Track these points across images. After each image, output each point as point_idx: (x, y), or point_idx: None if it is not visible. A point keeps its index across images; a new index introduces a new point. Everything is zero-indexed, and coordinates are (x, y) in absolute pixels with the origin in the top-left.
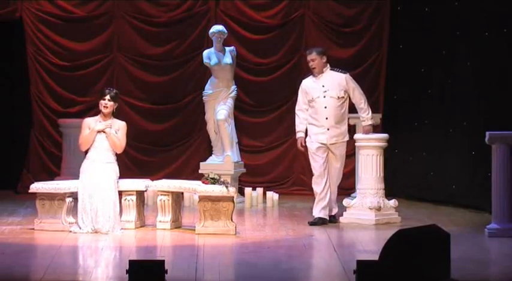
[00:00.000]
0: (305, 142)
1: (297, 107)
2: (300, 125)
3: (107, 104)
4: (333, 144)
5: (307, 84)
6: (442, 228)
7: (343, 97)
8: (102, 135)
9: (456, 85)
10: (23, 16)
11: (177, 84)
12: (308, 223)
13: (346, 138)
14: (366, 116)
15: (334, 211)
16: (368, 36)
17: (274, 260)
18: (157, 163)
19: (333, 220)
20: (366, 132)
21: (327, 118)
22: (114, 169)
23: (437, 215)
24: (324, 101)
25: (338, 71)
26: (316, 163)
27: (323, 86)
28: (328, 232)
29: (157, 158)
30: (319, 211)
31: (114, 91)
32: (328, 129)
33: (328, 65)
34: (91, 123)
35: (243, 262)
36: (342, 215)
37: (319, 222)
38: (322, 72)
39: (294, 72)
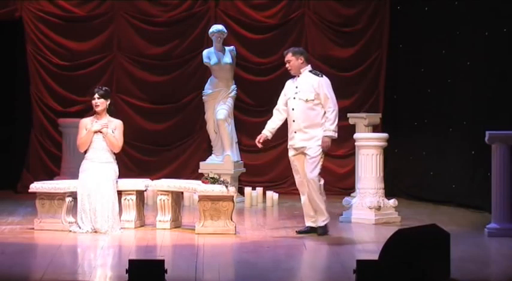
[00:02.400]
0: (263, 140)
1: (275, 107)
2: (269, 123)
3: (97, 102)
4: (301, 148)
5: (287, 84)
6: (442, 228)
7: (312, 100)
8: (100, 136)
9: (456, 85)
10: (23, 16)
11: (177, 84)
12: (296, 231)
13: (318, 142)
14: (328, 126)
15: (319, 220)
16: (368, 36)
17: (273, 260)
18: (157, 162)
19: (319, 231)
20: (324, 143)
21: (294, 121)
22: (114, 168)
23: (437, 214)
24: (293, 103)
25: (315, 74)
26: (293, 171)
27: (296, 87)
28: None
29: (157, 158)
30: (307, 220)
31: (104, 89)
32: (295, 132)
33: (308, 66)
34: (88, 123)
35: (243, 261)
36: (341, 214)
37: (308, 231)
38: (299, 73)
39: None
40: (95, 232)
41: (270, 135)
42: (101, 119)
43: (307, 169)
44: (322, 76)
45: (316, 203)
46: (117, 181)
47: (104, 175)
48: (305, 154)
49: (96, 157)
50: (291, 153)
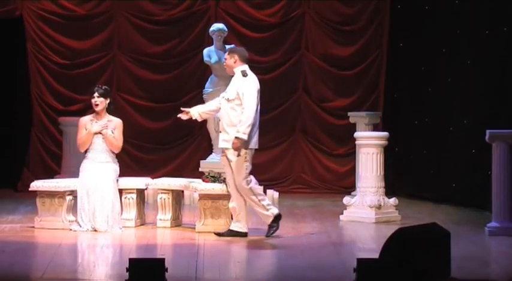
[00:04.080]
0: (187, 114)
1: None
2: (202, 105)
3: (96, 101)
4: (224, 149)
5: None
6: (442, 226)
7: (233, 100)
8: (100, 137)
9: (456, 83)
10: (24, 14)
11: (177, 83)
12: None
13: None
14: (239, 128)
15: (267, 222)
16: (368, 35)
17: (274, 259)
18: (158, 161)
19: (268, 232)
20: (233, 145)
21: (219, 120)
22: (114, 168)
23: (438, 213)
24: (222, 102)
25: (243, 74)
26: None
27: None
28: (328, 230)
29: (157, 157)
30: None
31: (103, 87)
32: (220, 132)
33: (242, 66)
34: (87, 122)
35: (243, 260)
36: (342, 213)
37: (228, 234)
38: (233, 72)
39: (294, 70)
40: (95, 230)
41: (196, 116)
42: (101, 118)
43: (234, 175)
44: (246, 76)
45: (253, 209)
46: (117, 180)
47: (104, 174)
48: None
49: (96, 157)
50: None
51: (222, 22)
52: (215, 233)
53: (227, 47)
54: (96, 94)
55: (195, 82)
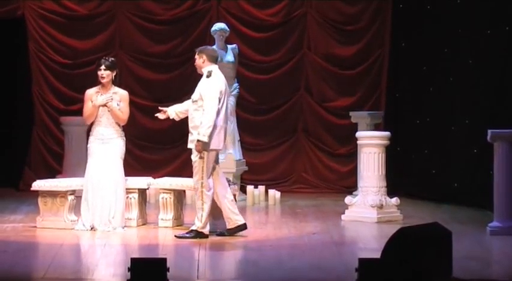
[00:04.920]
0: (165, 113)
1: None
2: (178, 105)
3: (103, 74)
4: (190, 149)
5: None
6: (444, 226)
7: (196, 101)
8: (105, 109)
9: (458, 83)
10: (25, 14)
11: (179, 82)
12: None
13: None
14: (200, 130)
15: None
16: (370, 34)
17: (276, 258)
18: (160, 160)
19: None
20: (196, 147)
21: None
22: (120, 146)
23: (439, 213)
24: (189, 103)
25: (207, 75)
26: None
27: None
28: (330, 230)
29: (159, 156)
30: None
31: (110, 59)
32: (189, 133)
33: (210, 66)
34: (92, 95)
35: (245, 260)
36: (343, 212)
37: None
38: (202, 72)
39: (296, 70)
40: (95, 229)
41: (173, 115)
42: (106, 90)
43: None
44: (210, 77)
45: (196, 208)
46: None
47: (110, 165)
48: None
49: (103, 133)
50: None
51: (224, 22)
52: (176, 236)
53: (229, 46)
54: (102, 66)
55: (196, 82)
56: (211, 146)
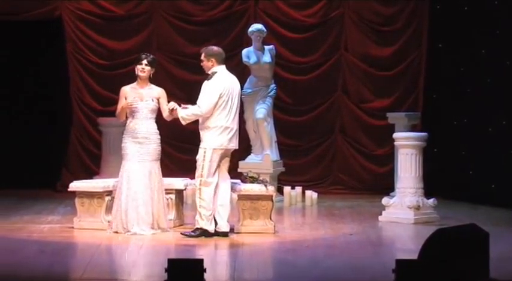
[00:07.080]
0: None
1: None
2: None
3: (144, 68)
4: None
5: None
6: (481, 227)
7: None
8: (144, 104)
9: (495, 84)
10: (63, 15)
11: None
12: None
13: (203, 144)
14: (187, 111)
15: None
16: (407, 35)
17: (312, 259)
18: (194, 161)
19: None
20: (173, 111)
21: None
22: (157, 151)
23: (476, 214)
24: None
25: (211, 75)
26: None
27: None
28: (367, 231)
29: (193, 157)
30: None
31: (151, 56)
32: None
33: (217, 68)
34: (127, 91)
35: (282, 260)
36: (381, 213)
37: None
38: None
39: (333, 71)
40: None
41: (181, 120)
42: (143, 86)
43: None
44: (211, 78)
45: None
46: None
47: (149, 178)
48: None
49: (139, 129)
50: None
51: (261, 23)
52: (182, 234)
53: (266, 47)
54: (144, 61)
55: None
56: (213, 146)
